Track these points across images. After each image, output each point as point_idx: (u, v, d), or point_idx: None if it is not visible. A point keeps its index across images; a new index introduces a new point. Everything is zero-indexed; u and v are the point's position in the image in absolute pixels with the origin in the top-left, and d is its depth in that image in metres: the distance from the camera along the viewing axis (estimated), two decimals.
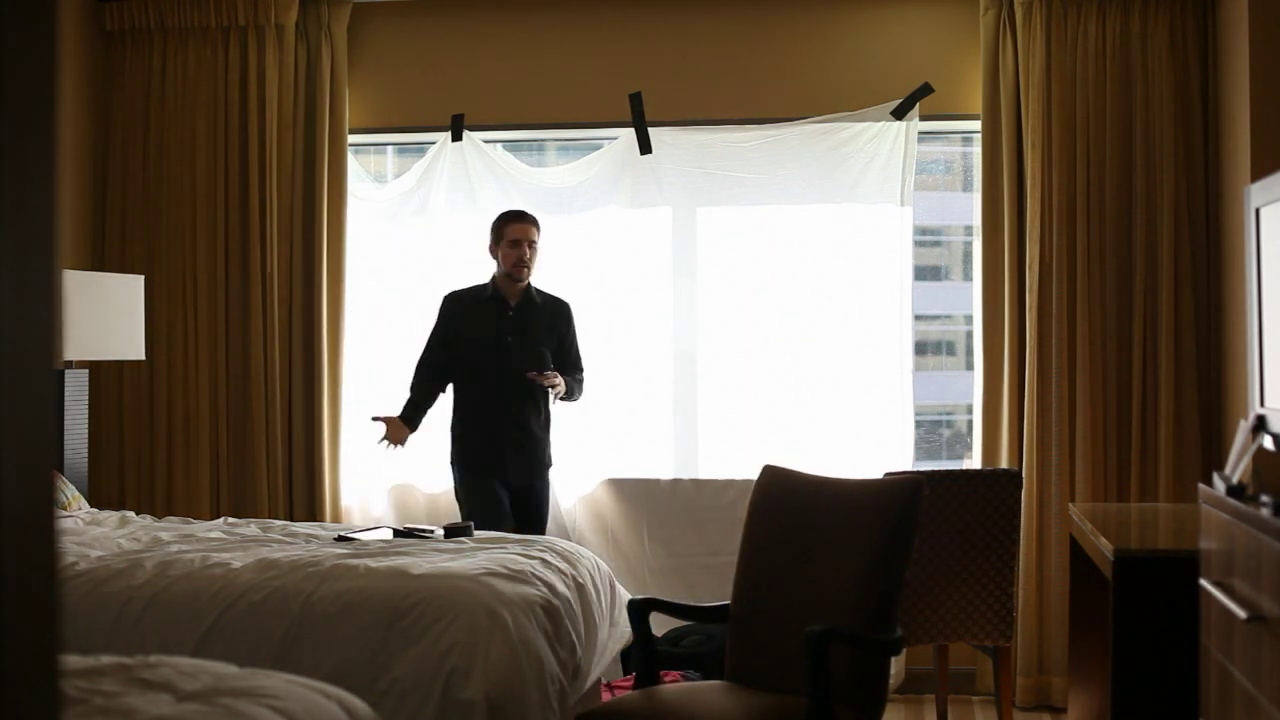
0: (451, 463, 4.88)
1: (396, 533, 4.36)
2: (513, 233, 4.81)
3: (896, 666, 5.02)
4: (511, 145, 5.63)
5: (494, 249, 4.86)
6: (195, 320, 5.39)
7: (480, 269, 5.43)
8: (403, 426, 4.87)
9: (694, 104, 5.37)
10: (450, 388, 4.94)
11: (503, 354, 4.79)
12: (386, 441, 4.87)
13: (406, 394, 4.94)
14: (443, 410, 5.00)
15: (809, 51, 5.36)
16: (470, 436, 4.83)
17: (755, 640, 3.40)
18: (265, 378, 5.34)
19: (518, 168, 5.47)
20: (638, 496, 5.25)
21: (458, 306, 4.89)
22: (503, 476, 4.78)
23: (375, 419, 4.88)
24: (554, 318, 4.93)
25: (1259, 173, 4.19)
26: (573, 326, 4.98)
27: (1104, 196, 4.99)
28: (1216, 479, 2.63)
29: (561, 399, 4.89)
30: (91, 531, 4.16)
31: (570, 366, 4.94)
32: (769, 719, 3.07)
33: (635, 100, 5.32)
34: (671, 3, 5.42)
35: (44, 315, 1.05)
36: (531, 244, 4.82)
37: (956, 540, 4.24)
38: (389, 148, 5.89)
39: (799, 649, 3.08)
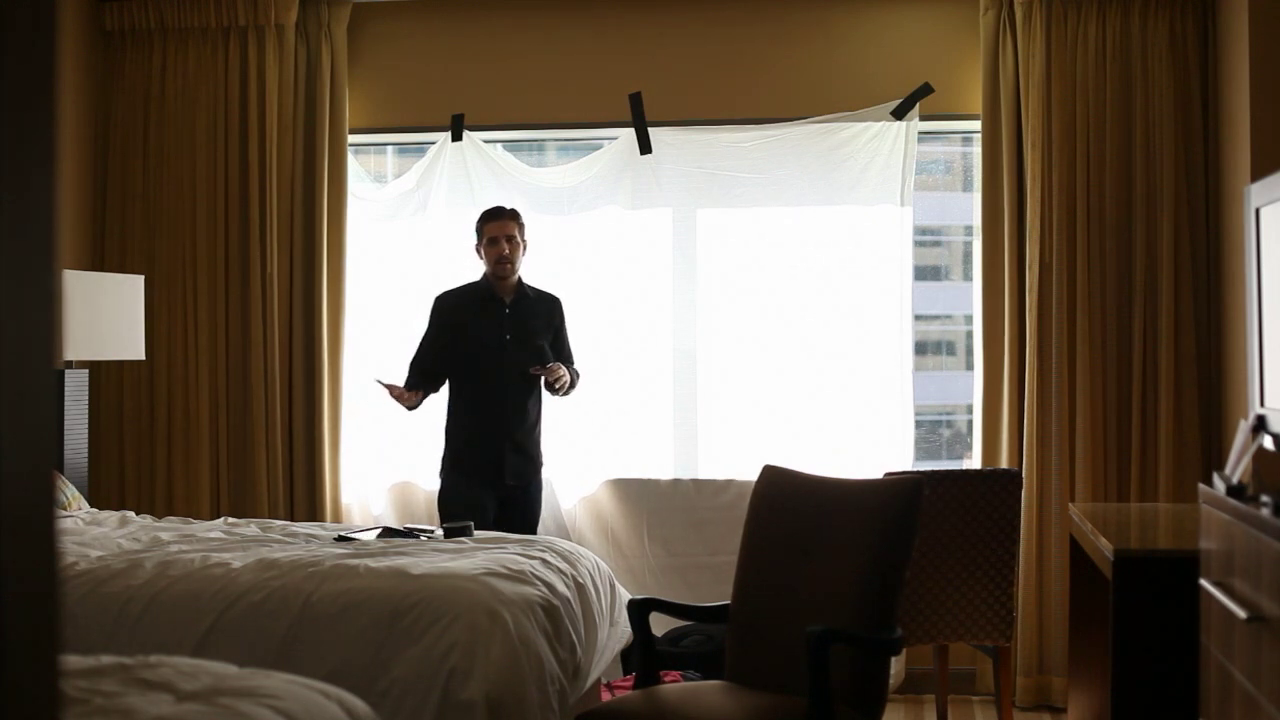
0: (445, 466, 4.80)
1: (391, 532, 4.32)
2: (491, 230, 4.77)
3: (896, 666, 5.03)
4: (511, 145, 5.63)
5: (478, 248, 4.83)
6: (195, 320, 5.39)
7: (477, 270, 5.44)
8: (410, 395, 4.75)
9: (694, 104, 5.38)
10: (444, 390, 4.89)
11: (503, 352, 4.77)
12: (390, 396, 4.74)
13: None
14: (434, 414, 4.97)
15: (809, 51, 5.36)
16: (468, 438, 4.76)
17: (755, 640, 3.40)
18: (265, 378, 5.34)
19: (518, 168, 5.47)
20: (638, 496, 5.25)
21: (453, 307, 4.83)
22: (498, 478, 4.74)
23: (380, 381, 4.76)
24: (549, 313, 4.92)
25: (1259, 173, 4.19)
26: (564, 321, 4.97)
27: (1104, 196, 4.99)
28: (1216, 479, 2.63)
29: (563, 393, 4.87)
30: (91, 531, 4.16)
31: (565, 361, 4.93)
32: (769, 719, 3.07)
33: (635, 100, 5.32)
34: (671, 3, 5.42)
35: (44, 315, 1.05)
36: (510, 239, 4.77)
37: (956, 540, 4.24)
38: (389, 148, 5.89)
39: (799, 649, 3.08)
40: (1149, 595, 3.11)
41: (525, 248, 4.85)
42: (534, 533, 4.81)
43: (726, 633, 3.49)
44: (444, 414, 4.86)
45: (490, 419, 4.76)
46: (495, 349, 4.76)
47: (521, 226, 4.83)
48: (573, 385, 4.89)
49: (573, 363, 4.96)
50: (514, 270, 4.80)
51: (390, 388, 4.74)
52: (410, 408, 4.81)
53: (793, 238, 5.34)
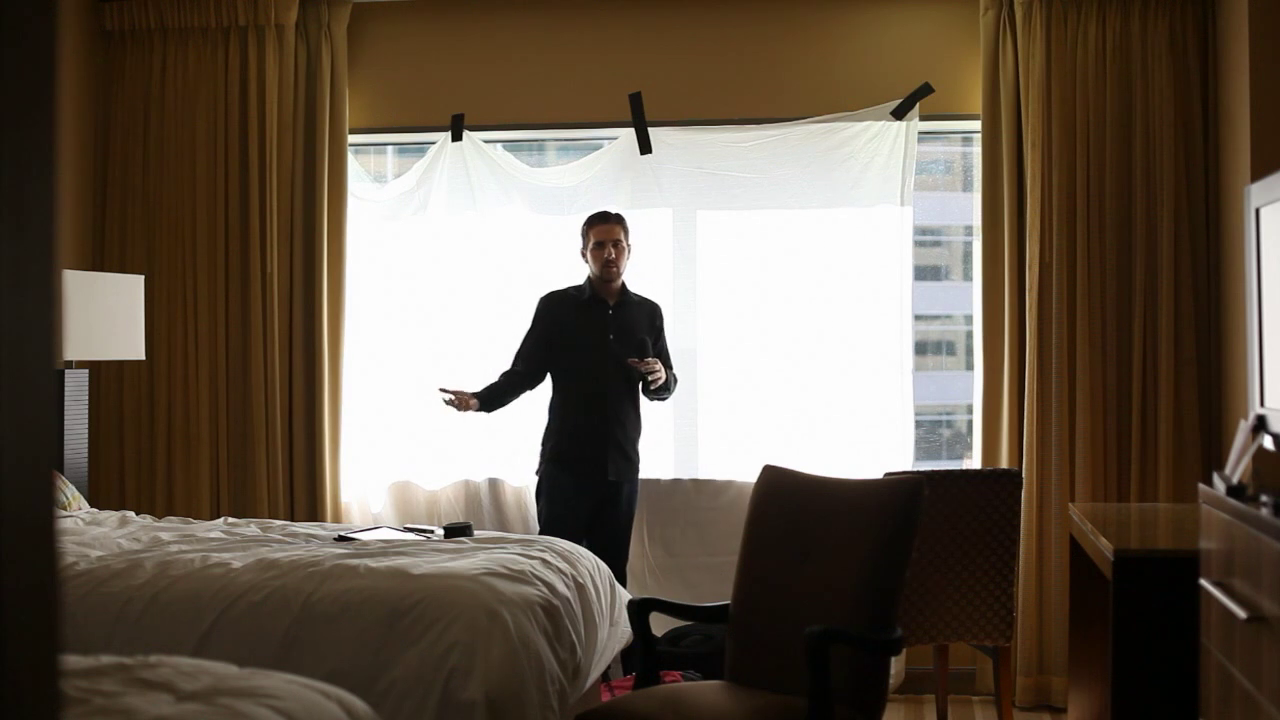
0: (544, 460, 4.85)
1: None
2: (597, 234, 4.82)
3: (896, 666, 5.03)
4: (511, 145, 5.63)
5: (584, 252, 4.87)
6: (195, 320, 5.39)
7: (478, 270, 5.44)
8: (471, 399, 4.76)
9: (694, 104, 5.37)
10: (545, 387, 4.92)
11: (605, 353, 4.81)
12: (453, 406, 4.75)
13: (490, 379, 4.89)
14: (438, 415, 4.99)
15: (809, 51, 5.36)
16: (572, 436, 4.81)
17: (755, 640, 3.40)
18: (265, 378, 5.34)
19: (518, 168, 5.47)
20: (638, 496, 5.24)
21: (558, 306, 4.88)
22: (599, 475, 4.78)
23: (443, 391, 4.74)
24: (650, 317, 4.98)
25: (1259, 173, 4.19)
26: (664, 326, 5.02)
27: (1104, 196, 4.99)
28: (1216, 479, 2.63)
29: (654, 393, 4.90)
30: (91, 531, 4.16)
31: (664, 366, 4.95)
32: (769, 719, 3.07)
33: (635, 100, 5.32)
34: (671, 3, 5.42)
35: (44, 315, 1.05)
36: (616, 244, 4.82)
37: (956, 540, 4.24)
38: (389, 148, 5.89)
39: (799, 649, 3.08)
40: (1149, 595, 3.11)
41: (630, 251, 4.89)
42: (629, 532, 4.89)
43: (726, 633, 3.49)
44: (544, 412, 4.90)
45: (594, 417, 4.80)
46: (599, 349, 4.80)
47: (626, 230, 4.88)
48: (666, 386, 4.93)
49: (671, 368, 4.99)
50: (619, 274, 4.85)
51: (456, 394, 4.72)
52: (467, 408, 4.77)
53: (793, 238, 5.34)
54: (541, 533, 4.70)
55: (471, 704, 3.14)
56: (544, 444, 4.89)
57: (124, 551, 3.86)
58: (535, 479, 4.96)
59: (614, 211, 4.92)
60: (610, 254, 4.80)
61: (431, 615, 3.29)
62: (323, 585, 3.43)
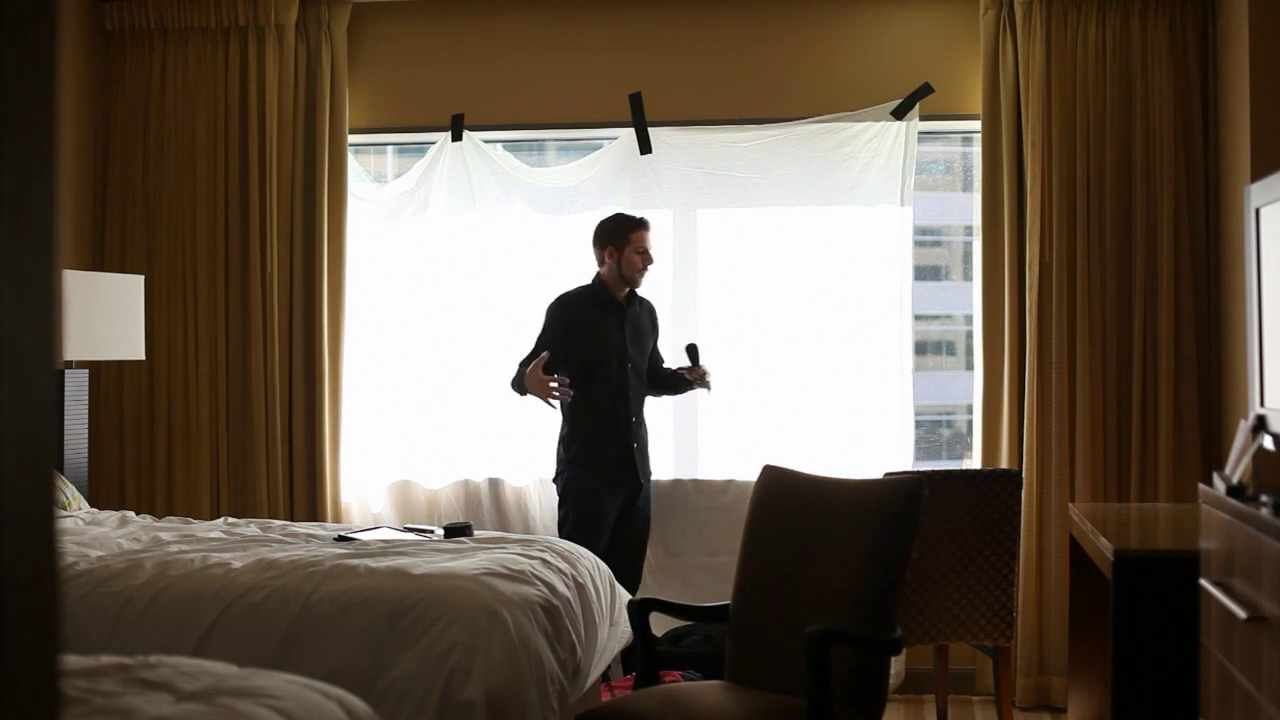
0: (569, 464, 4.81)
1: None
2: (640, 240, 4.83)
3: (896, 666, 5.03)
4: (511, 145, 5.63)
5: (612, 252, 4.83)
6: (195, 320, 5.39)
7: (478, 270, 5.43)
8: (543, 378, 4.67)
9: (694, 104, 5.37)
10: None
11: (624, 352, 4.81)
12: (554, 399, 4.69)
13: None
14: (438, 415, 4.99)
15: (809, 51, 5.36)
16: (599, 438, 4.80)
17: (755, 640, 3.40)
18: (265, 378, 5.34)
19: (518, 168, 5.47)
20: None
21: (574, 308, 4.85)
22: (629, 477, 4.79)
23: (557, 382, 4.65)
24: (652, 315, 5.02)
25: (1259, 173, 4.19)
26: (658, 325, 5.06)
27: (1104, 196, 4.99)
28: (1216, 479, 2.63)
29: (667, 390, 4.98)
30: (91, 531, 4.16)
31: (659, 362, 5.03)
32: (769, 719, 3.07)
33: (635, 100, 5.32)
34: (671, 3, 5.42)
35: (44, 315, 1.05)
36: (650, 249, 4.87)
37: (956, 540, 4.24)
38: (389, 148, 5.89)
39: (799, 649, 3.08)
40: (1149, 595, 3.11)
41: None
42: (648, 530, 4.93)
43: (726, 633, 3.49)
44: (558, 416, 4.88)
45: (616, 420, 4.80)
46: (619, 350, 4.81)
47: None
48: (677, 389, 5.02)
49: (663, 364, 5.06)
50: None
51: (559, 384, 4.65)
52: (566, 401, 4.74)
53: (793, 238, 5.34)
54: (567, 538, 4.62)
55: (471, 704, 3.14)
56: (565, 448, 4.85)
57: (124, 551, 3.86)
58: (552, 484, 4.94)
59: (642, 216, 4.93)
60: (651, 258, 4.85)
61: (431, 615, 3.29)
62: (323, 585, 3.43)
